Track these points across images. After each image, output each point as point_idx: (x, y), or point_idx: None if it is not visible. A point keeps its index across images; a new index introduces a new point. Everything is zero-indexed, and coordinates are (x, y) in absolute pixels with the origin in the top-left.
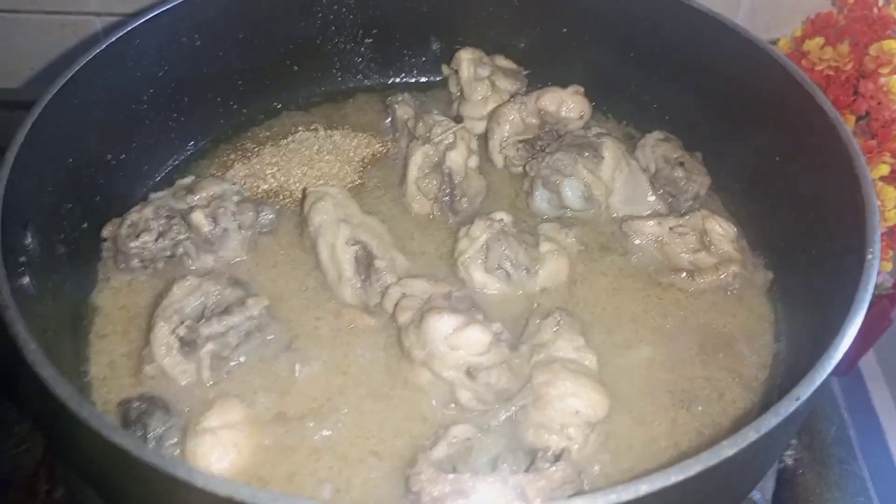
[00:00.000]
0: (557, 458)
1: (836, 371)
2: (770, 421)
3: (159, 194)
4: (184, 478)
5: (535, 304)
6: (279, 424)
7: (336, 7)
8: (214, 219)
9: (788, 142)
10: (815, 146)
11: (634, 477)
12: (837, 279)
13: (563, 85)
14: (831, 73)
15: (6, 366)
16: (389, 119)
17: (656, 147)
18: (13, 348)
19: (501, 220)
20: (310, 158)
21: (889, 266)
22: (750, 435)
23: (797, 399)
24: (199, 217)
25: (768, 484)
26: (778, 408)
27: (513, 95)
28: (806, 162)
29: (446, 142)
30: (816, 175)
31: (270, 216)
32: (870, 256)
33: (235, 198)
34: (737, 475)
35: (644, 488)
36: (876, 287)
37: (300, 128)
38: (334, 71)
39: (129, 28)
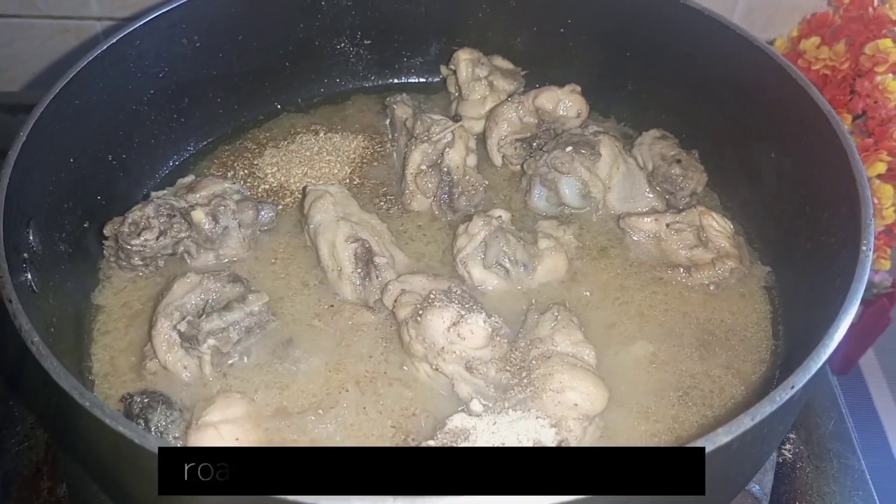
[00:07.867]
0: None
1: (837, 370)
2: (765, 409)
3: (160, 193)
4: None
5: (533, 301)
6: (280, 419)
7: (335, 9)
8: (215, 217)
9: (784, 138)
10: (810, 142)
11: None
12: (833, 273)
13: (561, 84)
14: (827, 72)
15: (11, 364)
16: (388, 119)
17: (653, 145)
18: (18, 345)
19: (500, 217)
20: (310, 159)
21: (888, 265)
22: (745, 422)
23: (792, 387)
24: (199, 215)
25: (767, 477)
26: (773, 395)
27: (510, 95)
28: (801, 157)
29: (444, 140)
30: (812, 170)
31: (271, 214)
32: (864, 248)
33: (236, 196)
34: (733, 464)
35: None
36: (875, 286)
37: (300, 129)
38: (334, 72)
39: (130, 30)
